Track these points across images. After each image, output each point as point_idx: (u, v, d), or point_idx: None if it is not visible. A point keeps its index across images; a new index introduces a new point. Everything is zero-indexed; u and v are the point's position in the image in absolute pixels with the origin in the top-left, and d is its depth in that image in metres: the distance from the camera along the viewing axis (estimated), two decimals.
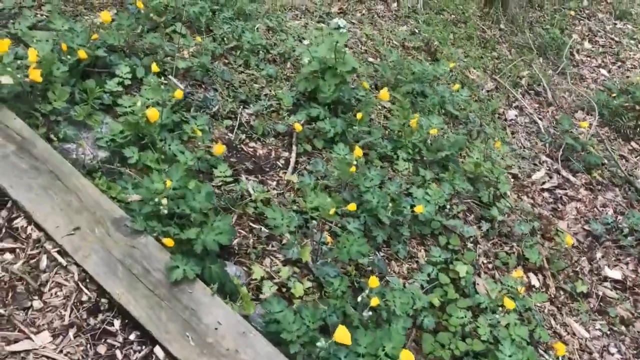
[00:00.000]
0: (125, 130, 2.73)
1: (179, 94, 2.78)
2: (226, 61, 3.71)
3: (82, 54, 2.93)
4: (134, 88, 3.15)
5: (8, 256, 2.18)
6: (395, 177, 3.18)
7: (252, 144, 3.22)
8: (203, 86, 3.43)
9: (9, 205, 2.32)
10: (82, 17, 3.73)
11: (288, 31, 4.39)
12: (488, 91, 5.18)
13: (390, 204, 2.79)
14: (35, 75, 2.50)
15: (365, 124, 3.21)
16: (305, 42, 3.56)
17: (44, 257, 2.18)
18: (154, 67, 2.98)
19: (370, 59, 4.68)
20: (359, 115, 3.19)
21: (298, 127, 3.15)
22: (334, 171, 2.95)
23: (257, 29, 4.11)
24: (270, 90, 3.58)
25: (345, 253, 2.46)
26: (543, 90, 5.62)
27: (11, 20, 3.46)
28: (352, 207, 2.51)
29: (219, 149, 2.75)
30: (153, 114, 2.62)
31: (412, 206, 2.88)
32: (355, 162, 2.82)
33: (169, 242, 2.18)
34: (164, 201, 2.26)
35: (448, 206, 3.08)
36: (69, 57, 2.96)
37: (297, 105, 3.49)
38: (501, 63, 5.68)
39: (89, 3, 3.89)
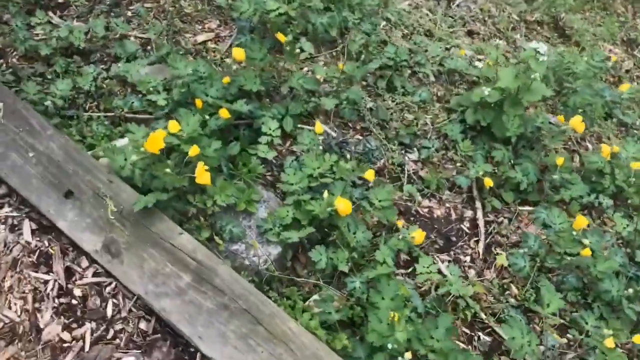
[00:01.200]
0: (302, 221, 2.16)
1: (370, 175, 2.17)
2: (365, 83, 3.04)
3: (224, 113, 2.31)
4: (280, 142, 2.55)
5: None
6: (605, 234, 2.60)
7: (425, 203, 2.64)
8: (350, 125, 2.79)
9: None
10: (183, 35, 3.05)
11: (412, 25, 3.65)
12: (627, 71, 4.43)
13: (629, 291, 2.25)
14: (206, 179, 1.89)
15: (567, 170, 2.59)
16: (478, 63, 2.86)
17: None
18: (318, 128, 2.35)
19: (499, 42, 3.94)
20: (559, 161, 2.57)
21: (488, 182, 2.54)
22: (549, 243, 2.37)
23: (381, 27, 3.39)
24: (425, 120, 2.93)
25: None
26: None
27: (106, 50, 2.82)
28: (638, 339, 1.96)
29: (419, 237, 2.18)
30: (346, 207, 2.03)
31: None
32: (588, 242, 2.24)
33: None
34: (407, 355, 1.73)
35: None
36: (207, 117, 2.34)
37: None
38: (631, 30, 4.87)
39: (185, 14, 3.18)
